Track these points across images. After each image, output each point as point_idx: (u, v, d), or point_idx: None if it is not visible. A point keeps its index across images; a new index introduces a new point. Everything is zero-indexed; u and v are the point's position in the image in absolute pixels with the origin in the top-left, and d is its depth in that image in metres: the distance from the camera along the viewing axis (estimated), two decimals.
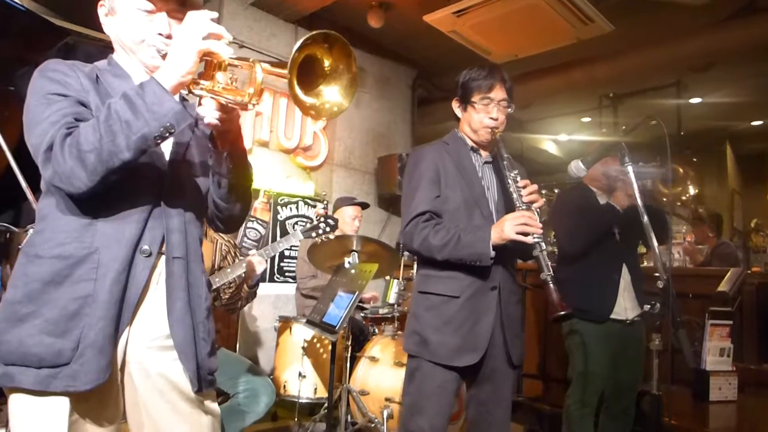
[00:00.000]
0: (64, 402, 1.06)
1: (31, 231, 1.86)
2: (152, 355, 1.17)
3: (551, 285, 1.69)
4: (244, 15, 4.44)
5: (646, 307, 1.76)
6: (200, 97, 1.13)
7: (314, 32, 1.05)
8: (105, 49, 3.80)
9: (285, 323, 3.45)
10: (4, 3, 2.30)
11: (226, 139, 1.21)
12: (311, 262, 3.38)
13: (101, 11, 1.24)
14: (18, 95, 2.56)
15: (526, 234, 1.71)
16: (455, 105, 2.03)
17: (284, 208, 4.66)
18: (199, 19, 1.05)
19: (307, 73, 1.08)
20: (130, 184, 1.12)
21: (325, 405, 3.19)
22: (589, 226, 2.56)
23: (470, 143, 2.02)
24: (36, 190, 2.13)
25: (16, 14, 2.40)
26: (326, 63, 1.11)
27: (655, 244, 1.81)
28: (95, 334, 1.07)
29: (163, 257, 1.19)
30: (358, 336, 3.54)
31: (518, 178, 1.81)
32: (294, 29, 4.80)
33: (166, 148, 1.23)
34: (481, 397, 1.94)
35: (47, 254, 1.09)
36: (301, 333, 3.30)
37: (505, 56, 4.77)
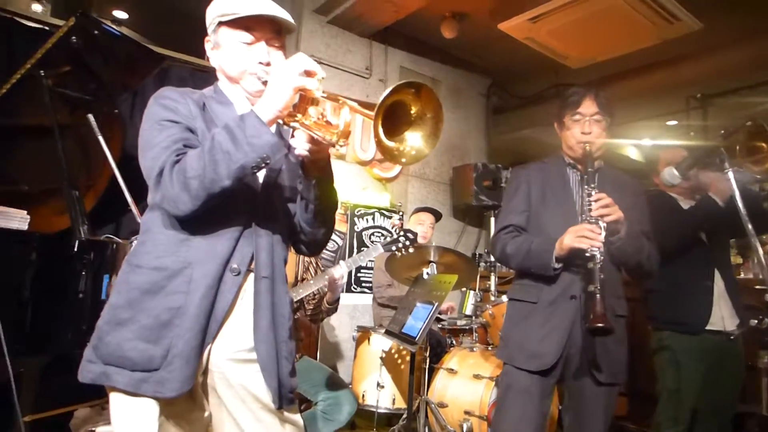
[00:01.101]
0: (153, 404, 1.14)
1: (135, 242, 2.02)
2: (234, 366, 1.22)
3: (597, 297, 1.70)
4: (322, 32, 4.59)
5: (753, 322, 1.65)
6: (293, 129, 1.19)
7: (404, 81, 1.08)
8: (195, 72, 4.04)
9: (363, 333, 3.49)
10: (109, 33, 2.51)
11: (315, 168, 1.27)
12: (388, 273, 3.41)
13: (207, 46, 1.34)
14: (120, 118, 2.79)
15: (585, 247, 1.74)
16: (556, 127, 2.11)
17: (361, 219, 4.74)
18: (297, 58, 1.12)
19: (393, 118, 1.10)
20: (225, 204, 1.19)
21: (404, 416, 3.20)
22: (678, 226, 2.41)
23: (568, 160, 2.06)
24: (138, 202, 2.31)
25: (119, 42, 2.61)
26: (413, 109, 1.13)
27: (761, 252, 1.70)
28: (183, 344, 1.13)
29: (251, 276, 1.24)
30: (436, 347, 3.52)
31: (593, 192, 1.82)
32: (369, 44, 4.89)
33: (260, 171, 1.29)
34: (573, 410, 1.93)
35: (147, 265, 1.18)
36: (380, 343, 3.33)
37: (583, 61, 4.63)
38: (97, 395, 2.82)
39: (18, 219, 1.92)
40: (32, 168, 2.70)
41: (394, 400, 3.27)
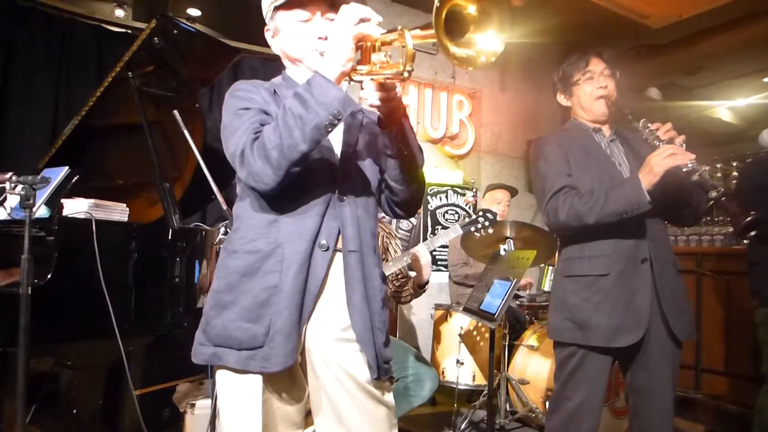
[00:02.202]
0: (259, 380, 1.20)
1: (221, 228, 2.14)
2: (331, 346, 1.25)
3: (723, 198, 1.60)
4: (387, 12, 4.56)
5: None
6: (361, 82, 1.18)
7: None
8: (266, 61, 4.16)
9: (441, 311, 3.52)
10: (187, 31, 2.63)
11: (392, 120, 1.25)
12: (464, 250, 3.40)
13: (268, 35, 1.38)
14: (201, 112, 2.93)
15: (683, 162, 1.64)
16: (560, 98, 2.07)
17: (434, 197, 4.73)
18: (349, 9, 1.12)
19: (455, 25, 1.06)
20: (307, 182, 1.23)
21: (484, 392, 3.20)
22: None
23: (590, 125, 1.98)
24: (222, 189, 2.42)
25: (196, 39, 2.73)
26: (471, 8, 1.09)
27: None
28: (282, 320, 1.18)
29: (342, 250, 1.27)
30: (515, 324, 3.49)
31: (648, 124, 1.76)
32: None
33: (337, 145, 1.32)
34: (638, 385, 1.85)
35: (241, 249, 1.24)
36: (458, 320, 3.34)
37: (667, 18, 4.31)
38: (195, 372, 3.04)
39: (119, 211, 2.08)
40: (126, 164, 2.91)
41: (474, 376, 3.28)
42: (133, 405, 2.18)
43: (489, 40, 1.11)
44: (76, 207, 1.96)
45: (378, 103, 1.19)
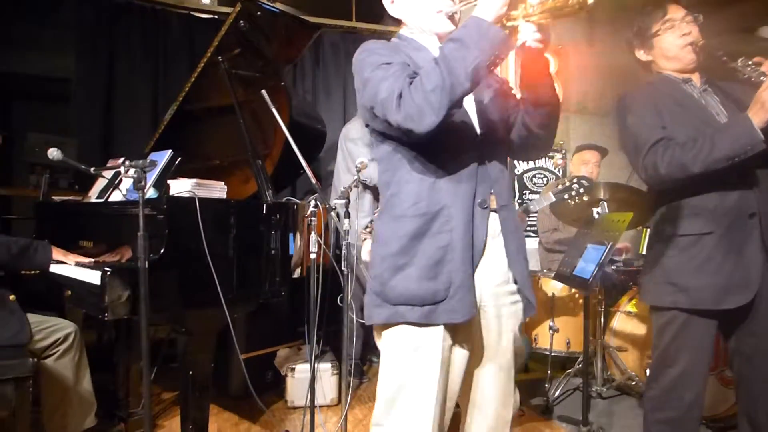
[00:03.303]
0: (441, 331, 1.28)
1: (312, 201, 2.22)
2: (496, 296, 1.37)
3: None
4: None
5: None
6: (513, 28, 1.18)
7: None
8: (345, 34, 4.18)
9: (532, 277, 3.45)
10: (269, 11, 2.70)
11: (540, 67, 1.30)
12: (554, 215, 3.30)
13: (386, 1, 1.43)
14: (286, 90, 3.02)
15: None
16: (639, 53, 1.91)
17: (521, 161, 4.60)
18: None
19: None
20: (453, 146, 1.30)
21: (579, 359, 3.13)
22: None
23: (678, 76, 1.82)
24: (309, 164, 2.49)
25: (278, 19, 2.80)
26: None
27: None
28: (461, 276, 1.26)
29: (495, 206, 1.35)
30: (611, 290, 3.36)
31: (749, 61, 1.63)
32: None
33: (471, 107, 1.36)
34: (745, 350, 1.74)
35: (408, 213, 1.30)
36: (550, 287, 3.27)
37: None
38: (293, 338, 3.22)
39: (218, 189, 2.21)
40: (220, 144, 3.07)
41: (568, 343, 3.21)
42: (240, 368, 2.35)
43: None
44: (180, 187, 2.10)
45: (536, 45, 1.20)
